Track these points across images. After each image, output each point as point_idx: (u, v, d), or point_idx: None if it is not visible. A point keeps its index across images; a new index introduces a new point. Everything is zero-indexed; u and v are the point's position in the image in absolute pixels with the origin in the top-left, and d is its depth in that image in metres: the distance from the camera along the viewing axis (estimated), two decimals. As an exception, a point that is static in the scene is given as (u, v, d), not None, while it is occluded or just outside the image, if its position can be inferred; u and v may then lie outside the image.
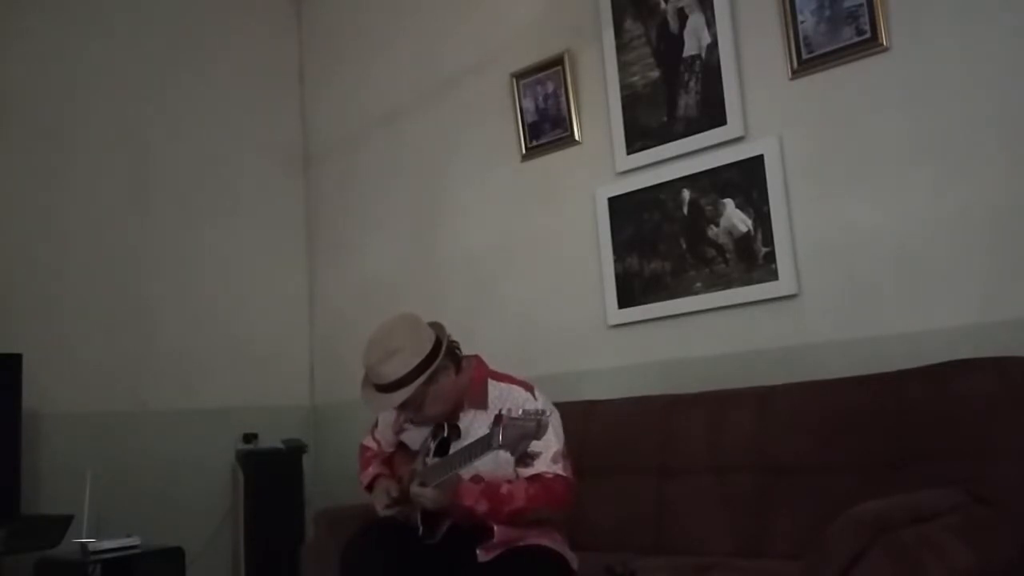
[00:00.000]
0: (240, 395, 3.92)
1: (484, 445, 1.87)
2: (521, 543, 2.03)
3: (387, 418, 2.35)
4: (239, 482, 3.69)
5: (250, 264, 4.11)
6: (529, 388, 2.18)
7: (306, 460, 3.81)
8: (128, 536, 3.06)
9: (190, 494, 3.64)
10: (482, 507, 2.00)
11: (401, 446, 2.35)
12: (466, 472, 2.02)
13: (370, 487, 2.32)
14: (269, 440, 3.82)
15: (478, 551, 2.00)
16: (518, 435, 1.80)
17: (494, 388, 2.17)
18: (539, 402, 2.11)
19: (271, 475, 3.69)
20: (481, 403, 2.15)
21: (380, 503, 2.23)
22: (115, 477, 3.32)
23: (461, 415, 2.17)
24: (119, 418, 3.51)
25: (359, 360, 2.13)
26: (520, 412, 1.83)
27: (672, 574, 2.18)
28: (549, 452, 2.05)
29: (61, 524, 2.90)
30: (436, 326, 2.19)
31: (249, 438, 3.82)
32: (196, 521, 3.61)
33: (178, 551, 3.12)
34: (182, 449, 3.65)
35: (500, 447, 1.82)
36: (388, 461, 2.38)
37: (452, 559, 2.05)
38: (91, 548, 2.95)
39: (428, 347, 2.08)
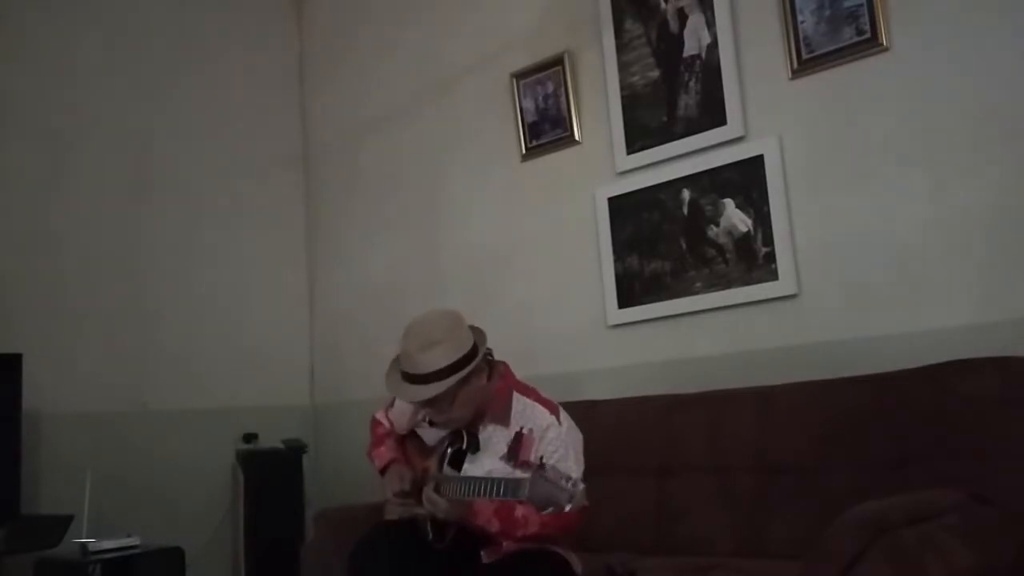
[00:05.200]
0: (240, 395, 3.92)
1: (511, 490, 1.80)
2: (525, 545, 2.02)
3: (404, 406, 2.26)
4: (239, 482, 3.69)
5: (250, 264, 4.11)
6: (555, 411, 2.08)
7: (306, 460, 3.81)
8: (128, 536, 3.07)
9: (190, 494, 3.64)
10: (494, 526, 2.00)
11: (414, 434, 2.31)
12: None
13: (383, 470, 2.27)
14: (269, 440, 3.82)
15: (482, 553, 2.01)
16: (546, 496, 1.69)
17: (518, 402, 2.10)
18: (563, 427, 2.04)
19: (271, 475, 3.69)
20: (503, 418, 2.08)
21: (391, 488, 2.18)
22: (115, 477, 3.32)
23: (481, 427, 2.11)
24: (119, 418, 3.52)
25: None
26: (552, 466, 1.73)
27: (672, 574, 2.18)
28: None
29: (61, 524, 2.90)
30: (476, 330, 2.11)
31: (249, 438, 3.83)
32: (196, 521, 3.60)
33: (178, 551, 3.12)
34: (182, 449, 3.65)
35: (527, 499, 1.73)
36: (401, 442, 2.31)
37: (457, 561, 2.04)
38: (91, 548, 2.96)
39: (468, 346, 2.02)
